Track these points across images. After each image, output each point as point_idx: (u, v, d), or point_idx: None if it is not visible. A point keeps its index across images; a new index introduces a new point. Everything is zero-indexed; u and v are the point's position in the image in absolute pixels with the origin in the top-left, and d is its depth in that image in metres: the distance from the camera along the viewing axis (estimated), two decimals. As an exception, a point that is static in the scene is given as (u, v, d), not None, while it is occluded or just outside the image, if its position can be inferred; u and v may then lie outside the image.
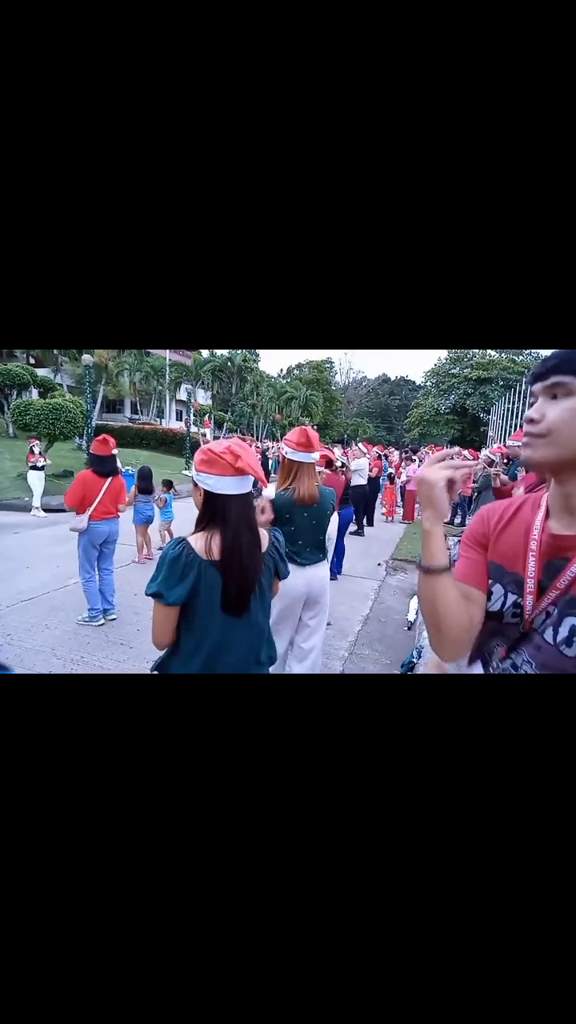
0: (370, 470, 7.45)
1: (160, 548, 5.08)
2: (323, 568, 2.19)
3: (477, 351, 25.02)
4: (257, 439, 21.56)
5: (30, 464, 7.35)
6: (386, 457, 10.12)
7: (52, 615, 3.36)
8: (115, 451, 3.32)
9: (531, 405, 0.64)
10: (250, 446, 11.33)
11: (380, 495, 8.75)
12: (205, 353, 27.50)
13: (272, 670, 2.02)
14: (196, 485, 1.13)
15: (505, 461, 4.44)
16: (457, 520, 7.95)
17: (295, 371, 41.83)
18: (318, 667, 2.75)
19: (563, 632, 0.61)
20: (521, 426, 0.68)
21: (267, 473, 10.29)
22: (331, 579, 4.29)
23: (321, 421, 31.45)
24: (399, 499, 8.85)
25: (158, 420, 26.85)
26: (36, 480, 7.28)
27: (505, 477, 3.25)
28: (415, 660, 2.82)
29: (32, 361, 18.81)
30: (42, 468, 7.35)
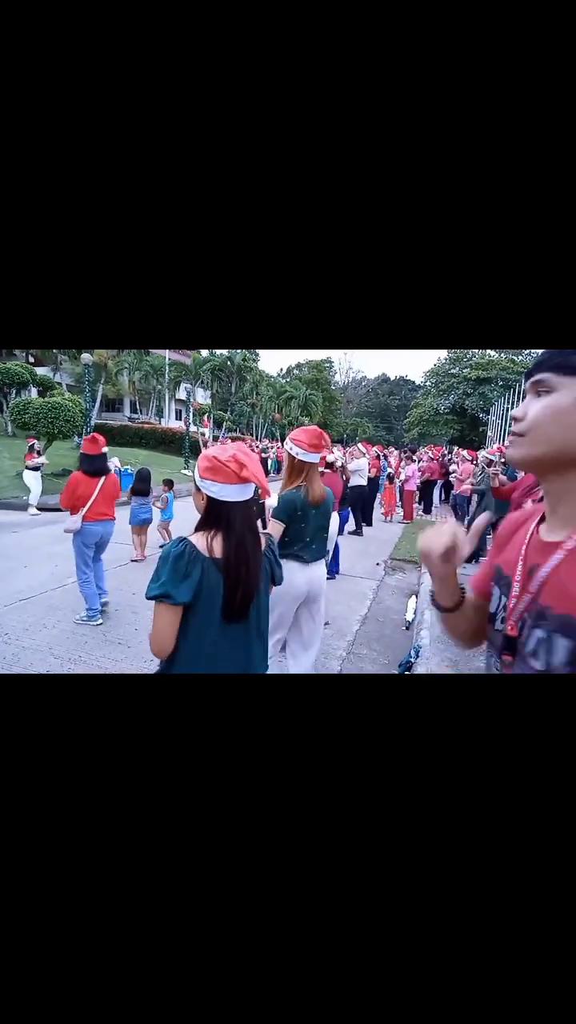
0: (369, 470, 7.46)
1: (161, 547, 5.08)
2: (323, 566, 2.22)
3: (476, 351, 25.03)
4: (256, 439, 21.54)
5: (27, 464, 7.35)
6: (385, 457, 10.12)
7: (50, 614, 3.35)
8: (105, 450, 3.31)
9: None
10: (248, 446, 11.32)
11: (379, 495, 8.75)
12: (204, 352, 27.48)
13: (273, 669, 2.03)
14: (198, 489, 1.12)
15: (503, 461, 4.44)
16: (452, 519, 7.94)
17: (295, 371, 41.83)
18: (316, 666, 2.75)
19: (531, 644, 0.60)
20: None
21: (266, 472, 10.28)
22: (329, 578, 4.31)
23: (320, 421, 31.44)
24: (398, 499, 8.85)
25: (157, 419, 26.83)
26: (32, 480, 7.28)
27: (504, 477, 3.25)
28: (413, 660, 2.82)
29: (31, 360, 18.79)
30: (38, 468, 7.35)
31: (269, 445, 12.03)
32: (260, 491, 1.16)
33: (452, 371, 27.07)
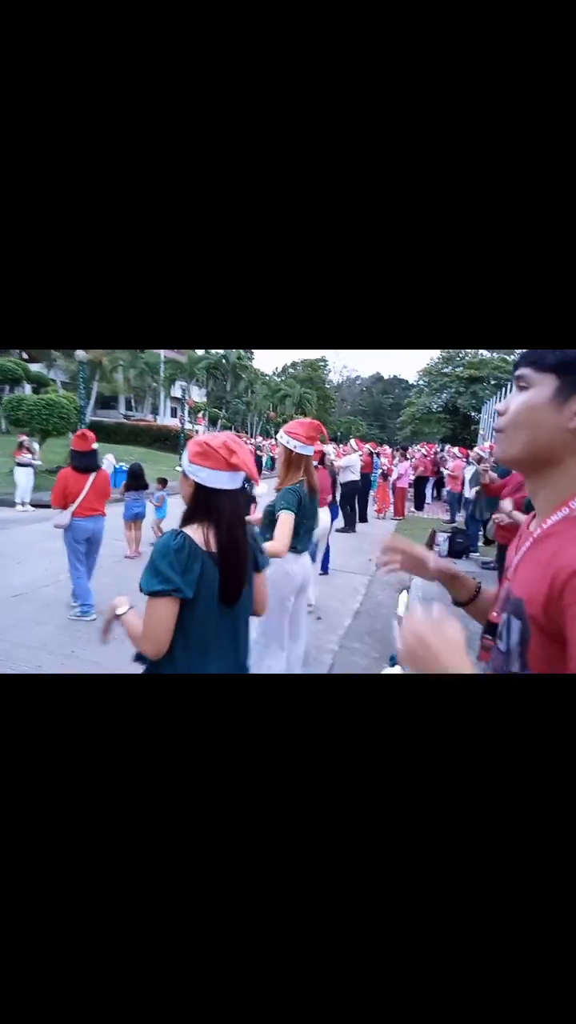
0: (362, 467, 7.50)
1: (152, 544, 5.08)
2: (308, 555, 2.27)
3: (469, 350, 25.09)
4: (251, 436, 21.49)
5: (16, 460, 7.32)
6: (378, 455, 10.17)
7: (44, 611, 3.36)
8: (95, 446, 3.32)
9: None
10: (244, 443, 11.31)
11: (373, 492, 8.80)
12: (200, 350, 27.36)
13: (269, 664, 2.05)
14: (186, 476, 1.10)
15: (493, 459, 4.50)
16: (446, 518, 8.02)
17: (290, 369, 41.75)
18: (307, 658, 2.78)
19: (500, 626, 0.63)
20: None
21: (259, 470, 10.28)
22: (322, 574, 4.35)
23: (315, 419, 31.38)
24: (391, 496, 8.90)
25: (153, 417, 26.70)
26: (22, 476, 7.25)
27: (494, 475, 3.29)
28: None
29: (25, 356, 18.63)
30: (28, 464, 7.32)
31: (263, 443, 11.99)
32: (250, 481, 1.15)
33: (445, 370, 27.16)
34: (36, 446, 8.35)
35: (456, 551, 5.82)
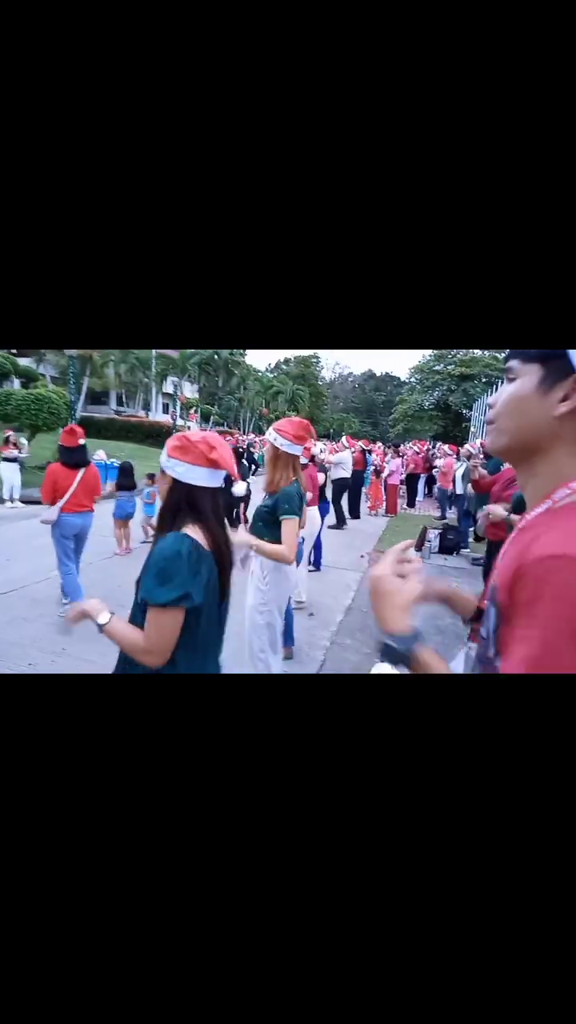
0: (354, 464, 7.52)
1: (144, 542, 5.06)
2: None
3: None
4: (244, 433, 21.44)
5: (2, 455, 7.23)
6: (370, 452, 10.20)
7: (33, 608, 3.33)
8: (83, 441, 3.29)
9: None
10: (235, 441, 11.21)
11: (365, 489, 8.83)
12: (191, 346, 27.14)
13: (269, 663, 2.05)
14: (164, 473, 1.06)
15: (483, 455, 4.53)
16: (437, 514, 8.08)
17: (283, 365, 41.67)
18: (298, 655, 2.79)
19: (485, 613, 0.63)
20: None
21: (255, 465, 10.25)
22: (313, 571, 4.36)
23: (308, 416, 31.41)
24: (383, 493, 8.94)
25: (144, 413, 26.50)
26: (7, 471, 7.16)
27: (484, 471, 3.32)
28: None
29: (13, 351, 18.40)
30: (14, 460, 7.23)
31: (255, 439, 11.97)
32: (232, 478, 1.16)
33: (436, 368, 27.27)
34: (24, 441, 8.25)
35: (447, 547, 5.88)
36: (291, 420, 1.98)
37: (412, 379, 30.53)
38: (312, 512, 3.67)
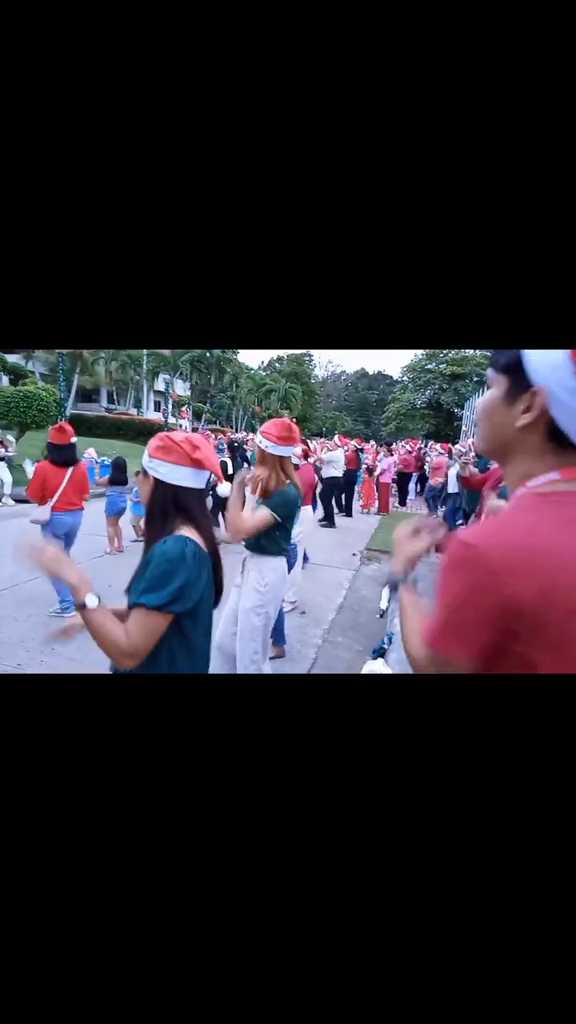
0: (347, 463, 7.54)
1: (135, 541, 5.03)
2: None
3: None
4: (236, 431, 21.37)
5: None
6: (362, 451, 10.23)
7: (22, 607, 3.29)
8: (73, 440, 3.27)
9: None
10: (227, 439, 11.15)
11: (358, 487, 8.85)
12: (183, 343, 27.00)
13: (260, 663, 2.05)
14: (146, 474, 1.03)
15: (476, 453, 4.57)
16: (426, 511, 8.12)
17: (276, 364, 41.63)
18: (291, 653, 2.79)
19: None
20: None
21: (248, 464, 10.22)
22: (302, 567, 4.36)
23: (300, 414, 31.44)
24: (376, 491, 8.97)
25: (135, 410, 26.34)
26: None
27: (474, 468, 3.36)
28: (386, 646, 2.89)
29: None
30: (3, 459, 7.14)
31: (245, 437, 11.93)
32: (215, 479, 1.14)
33: (428, 367, 27.42)
34: (11, 439, 8.15)
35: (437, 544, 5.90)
36: (274, 421, 1.96)
37: (404, 378, 30.69)
38: (306, 511, 3.68)
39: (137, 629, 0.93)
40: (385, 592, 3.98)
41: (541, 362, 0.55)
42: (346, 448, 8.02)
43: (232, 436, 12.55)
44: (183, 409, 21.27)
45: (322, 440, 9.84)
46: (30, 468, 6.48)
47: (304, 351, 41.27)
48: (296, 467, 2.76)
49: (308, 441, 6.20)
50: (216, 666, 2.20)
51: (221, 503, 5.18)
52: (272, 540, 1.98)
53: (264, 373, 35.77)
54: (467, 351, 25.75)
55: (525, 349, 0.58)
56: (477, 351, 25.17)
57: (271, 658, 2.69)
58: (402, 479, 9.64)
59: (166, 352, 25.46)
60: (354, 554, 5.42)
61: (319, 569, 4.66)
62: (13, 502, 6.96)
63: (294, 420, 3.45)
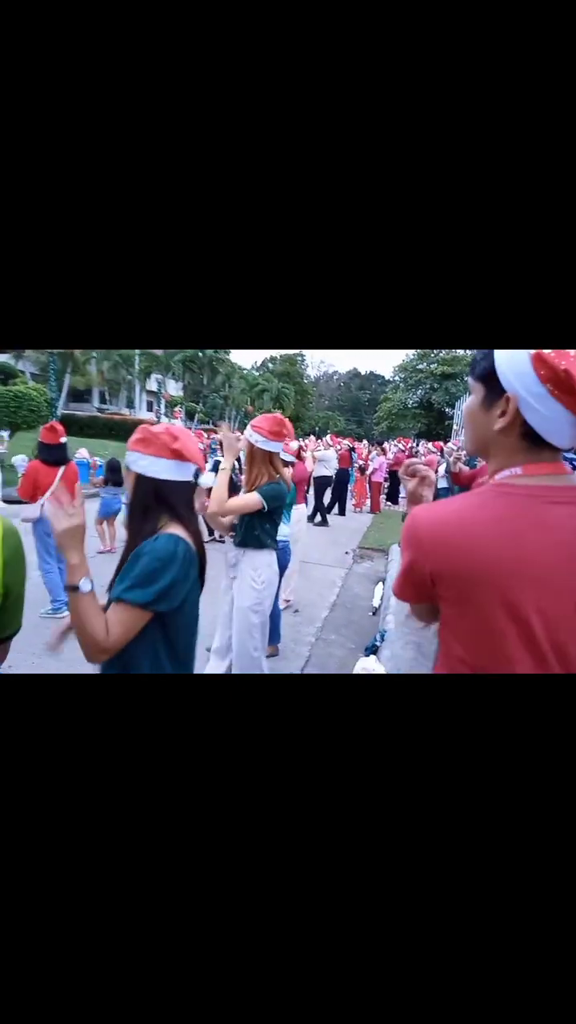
0: (340, 462, 7.56)
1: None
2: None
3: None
4: (229, 430, 21.22)
5: None
6: (352, 450, 10.24)
7: (14, 608, 3.27)
8: (64, 439, 3.26)
9: None
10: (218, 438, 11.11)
11: (351, 486, 8.87)
12: (175, 343, 26.78)
13: (258, 659, 2.05)
14: (128, 469, 1.01)
15: (466, 453, 4.62)
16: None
17: (268, 363, 41.54)
18: (282, 651, 2.79)
19: None
20: None
21: (239, 461, 10.16)
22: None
23: (293, 414, 31.38)
24: (368, 490, 8.99)
25: (128, 410, 26.16)
26: None
27: (463, 466, 3.40)
28: (379, 644, 2.92)
29: (-9, 347, 17.86)
30: None
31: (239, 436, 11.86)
32: (199, 470, 1.07)
33: (419, 366, 27.53)
34: (3, 435, 8.07)
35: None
36: (266, 416, 1.96)
37: (396, 378, 30.77)
38: (300, 509, 3.68)
39: (116, 624, 0.91)
40: (378, 590, 4.01)
41: (510, 371, 0.60)
42: (338, 448, 8.03)
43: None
44: (176, 409, 21.14)
45: (311, 439, 9.83)
46: (22, 462, 6.40)
47: (296, 351, 41.23)
48: (290, 464, 2.77)
49: (299, 440, 6.19)
50: (214, 664, 2.21)
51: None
52: (262, 531, 1.98)
53: (257, 373, 35.68)
54: (458, 351, 25.88)
55: (517, 349, 0.60)
56: (467, 351, 25.30)
57: (267, 657, 2.70)
58: (394, 478, 9.67)
59: (158, 352, 25.30)
60: (347, 552, 5.44)
61: (312, 567, 4.67)
62: (3, 503, 6.89)
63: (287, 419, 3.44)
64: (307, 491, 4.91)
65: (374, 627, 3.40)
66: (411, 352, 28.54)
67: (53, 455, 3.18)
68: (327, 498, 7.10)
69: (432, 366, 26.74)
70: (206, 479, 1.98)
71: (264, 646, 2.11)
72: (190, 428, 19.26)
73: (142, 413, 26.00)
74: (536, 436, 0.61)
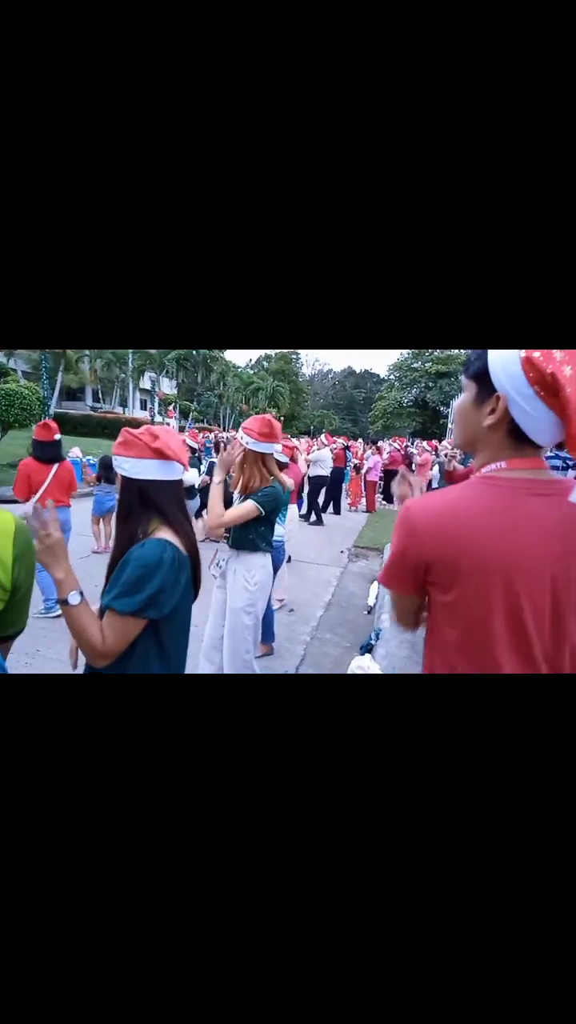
0: (335, 461, 7.56)
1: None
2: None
3: (439, 345, 25.48)
4: (224, 429, 21.28)
5: None
6: (347, 448, 10.27)
7: (6, 608, 3.25)
8: (58, 437, 3.24)
9: None
10: (214, 437, 11.08)
11: (346, 485, 8.89)
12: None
13: (249, 659, 2.05)
14: (117, 473, 1.02)
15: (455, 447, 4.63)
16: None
17: (263, 362, 41.52)
18: (278, 650, 2.79)
19: None
20: None
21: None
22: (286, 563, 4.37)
23: (288, 413, 31.42)
24: (363, 489, 9.02)
25: (121, 409, 26.06)
26: None
27: (458, 463, 3.41)
28: (373, 642, 2.92)
29: (-18, 345, 17.72)
30: None
31: (229, 436, 11.87)
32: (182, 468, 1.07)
33: (414, 365, 27.63)
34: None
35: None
36: (255, 417, 1.94)
37: (391, 376, 30.87)
38: (293, 509, 3.68)
39: (110, 630, 0.92)
40: (373, 588, 4.02)
41: (501, 372, 0.64)
42: (333, 446, 8.04)
43: (219, 435, 12.48)
44: (170, 408, 21.08)
45: (311, 440, 9.84)
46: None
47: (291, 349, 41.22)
48: (283, 466, 2.76)
49: (293, 439, 6.19)
50: (203, 663, 2.20)
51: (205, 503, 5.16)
52: (257, 535, 1.97)
53: (251, 371, 35.65)
54: (451, 349, 26.01)
55: (509, 349, 0.63)
56: (461, 349, 25.39)
57: (260, 656, 2.69)
58: (389, 477, 9.71)
59: (152, 350, 25.21)
60: (342, 551, 5.45)
61: (307, 567, 4.67)
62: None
63: (280, 419, 3.42)
64: (300, 491, 4.91)
65: (369, 626, 3.40)
66: (406, 350, 28.64)
67: (47, 452, 3.16)
68: (321, 497, 7.11)
69: (427, 365, 26.86)
70: (189, 476, 1.97)
71: (256, 648, 2.10)
72: (184, 427, 19.22)
73: (136, 412, 25.90)
74: (521, 433, 0.66)
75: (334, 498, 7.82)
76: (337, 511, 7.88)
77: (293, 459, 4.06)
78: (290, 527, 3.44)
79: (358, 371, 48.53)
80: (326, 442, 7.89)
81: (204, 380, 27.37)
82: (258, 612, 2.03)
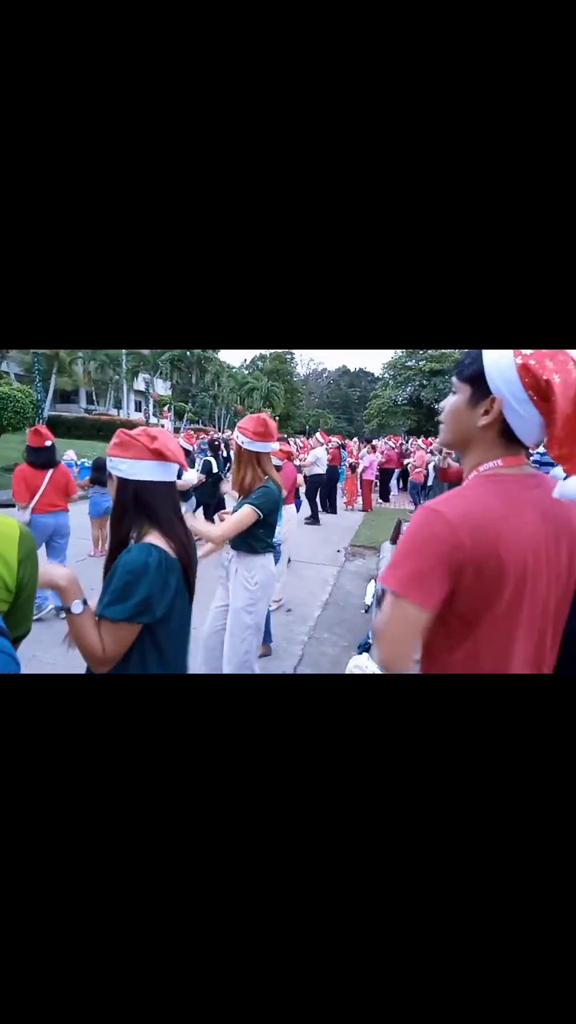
0: (330, 460, 7.57)
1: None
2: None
3: (432, 343, 25.50)
4: (219, 430, 21.25)
5: None
6: (343, 447, 10.28)
7: (2, 612, 3.23)
8: (50, 442, 3.23)
9: None
10: (210, 437, 11.07)
11: (341, 484, 8.90)
12: (163, 342, 26.61)
13: (251, 660, 2.05)
14: (111, 476, 0.99)
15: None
16: (411, 508, 8.22)
17: (258, 361, 41.49)
18: (277, 650, 2.79)
19: None
20: None
21: (228, 463, 10.17)
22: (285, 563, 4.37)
23: (283, 412, 31.41)
24: (359, 488, 9.03)
25: (116, 411, 25.97)
26: None
27: (452, 462, 3.42)
28: (371, 641, 2.93)
29: (-25, 348, 17.61)
30: None
31: (226, 436, 11.83)
32: (181, 468, 1.06)
33: (408, 363, 27.67)
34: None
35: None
36: (250, 417, 1.94)
37: (385, 375, 30.90)
38: (289, 509, 3.68)
39: (107, 637, 0.93)
40: (370, 587, 4.03)
41: (498, 377, 0.68)
42: (328, 445, 8.05)
43: (214, 435, 12.45)
44: (165, 409, 21.02)
45: (306, 439, 9.84)
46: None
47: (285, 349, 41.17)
48: (276, 469, 2.76)
49: (290, 440, 6.19)
50: (200, 662, 2.19)
51: (206, 506, 5.14)
52: (257, 538, 1.97)
53: (246, 372, 35.61)
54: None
55: (508, 349, 0.66)
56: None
57: (258, 656, 2.69)
58: (384, 475, 9.72)
59: (145, 351, 25.11)
60: (338, 551, 5.45)
61: (304, 566, 4.68)
62: (-9, 506, 6.81)
63: (275, 418, 3.43)
64: (298, 493, 4.91)
65: (367, 625, 3.41)
66: (400, 349, 28.67)
67: (40, 458, 3.15)
68: (317, 496, 7.12)
69: (421, 363, 26.90)
70: (189, 476, 1.97)
71: (257, 648, 2.10)
72: (179, 428, 19.16)
73: (130, 413, 25.81)
74: (511, 434, 0.71)
75: (329, 497, 7.83)
76: (333, 510, 7.88)
77: (290, 458, 4.07)
78: (288, 528, 3.44)
79: (353, 370, 48.58)
80: (321, 440, 7.89)
81: (199, 381, 27.31)
82: (260, 612, 2.03)
